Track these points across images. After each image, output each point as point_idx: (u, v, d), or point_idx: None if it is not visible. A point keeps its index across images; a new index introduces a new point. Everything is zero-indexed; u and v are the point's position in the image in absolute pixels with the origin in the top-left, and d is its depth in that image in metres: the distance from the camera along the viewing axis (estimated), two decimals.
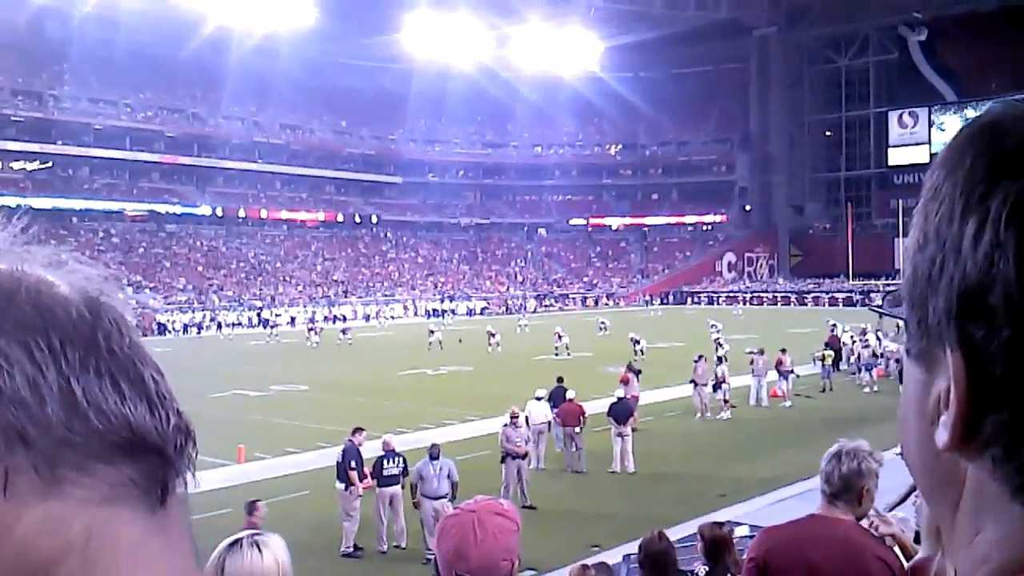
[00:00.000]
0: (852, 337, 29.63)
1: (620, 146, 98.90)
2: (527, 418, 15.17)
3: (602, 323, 47.25)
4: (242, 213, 77.92)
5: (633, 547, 9.88)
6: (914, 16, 72.24)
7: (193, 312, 58.80)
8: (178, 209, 74.32)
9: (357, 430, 12.49)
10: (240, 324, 58.26)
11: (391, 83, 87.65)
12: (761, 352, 23.06)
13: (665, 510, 12.78)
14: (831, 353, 26.46)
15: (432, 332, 40.05)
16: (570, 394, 16.69)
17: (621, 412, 16.33)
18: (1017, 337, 0.43)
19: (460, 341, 40.47)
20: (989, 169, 0.46)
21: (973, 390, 0.46)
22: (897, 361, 24.71)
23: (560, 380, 17.87)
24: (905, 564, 2.87)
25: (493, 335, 38.77)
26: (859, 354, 27.11)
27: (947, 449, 0.47)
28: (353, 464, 11.97)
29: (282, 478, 15.71)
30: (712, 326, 41.24)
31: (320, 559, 11.16)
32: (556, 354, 34.82)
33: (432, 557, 11.42)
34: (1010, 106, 0.48)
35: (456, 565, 1.89)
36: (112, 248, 67.26)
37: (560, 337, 36.21)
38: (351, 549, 11.74)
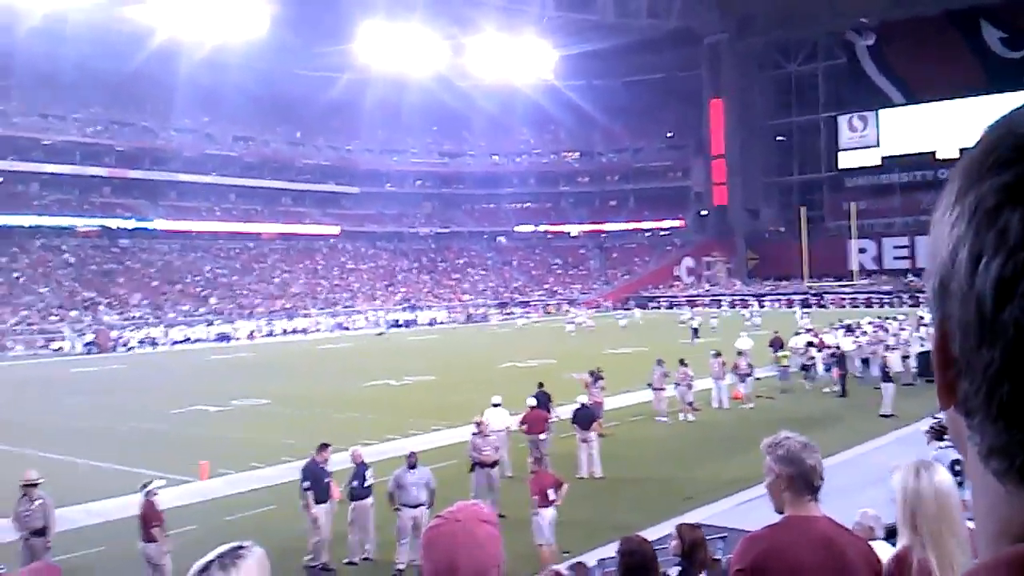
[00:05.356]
0: (808, 339, 29.82)
1: (577, 154, 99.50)
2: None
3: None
4: (196, 227, 76.79)
5: (603, 552, 9.93)
6: (861, 22, 73.51)
7: (149, 327, 57.86)
8: (131, 224, 72.95)
9: (323, 446, 12.09)
10: (199, 339, 57.47)
11: (346, 93, 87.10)
12: (718, 355, 23.28)
13: (633, 514, 12.87)
14: (786, 354, 26.84)
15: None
16: (530, 401, 16.75)
17: (584, 418, 16.41)
18: (964, 322, 0.52)
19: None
20: (974, 168, 0.53)
21: (945, 360, 0.55)
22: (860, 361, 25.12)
23: (541, 385, 18.21)
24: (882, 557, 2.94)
25: (572, 322, 53.17)
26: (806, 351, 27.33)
27: (942, 407, 0.56)
28: (307, 484, 11.70)
29: (247, 493, 15.55)
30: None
31: (286, 574, 11.05)
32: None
33: (402, 568, 11.35)
34: None
35: None
36: (64, 265, 65.94)
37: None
38: (311, 559, 11.55)
